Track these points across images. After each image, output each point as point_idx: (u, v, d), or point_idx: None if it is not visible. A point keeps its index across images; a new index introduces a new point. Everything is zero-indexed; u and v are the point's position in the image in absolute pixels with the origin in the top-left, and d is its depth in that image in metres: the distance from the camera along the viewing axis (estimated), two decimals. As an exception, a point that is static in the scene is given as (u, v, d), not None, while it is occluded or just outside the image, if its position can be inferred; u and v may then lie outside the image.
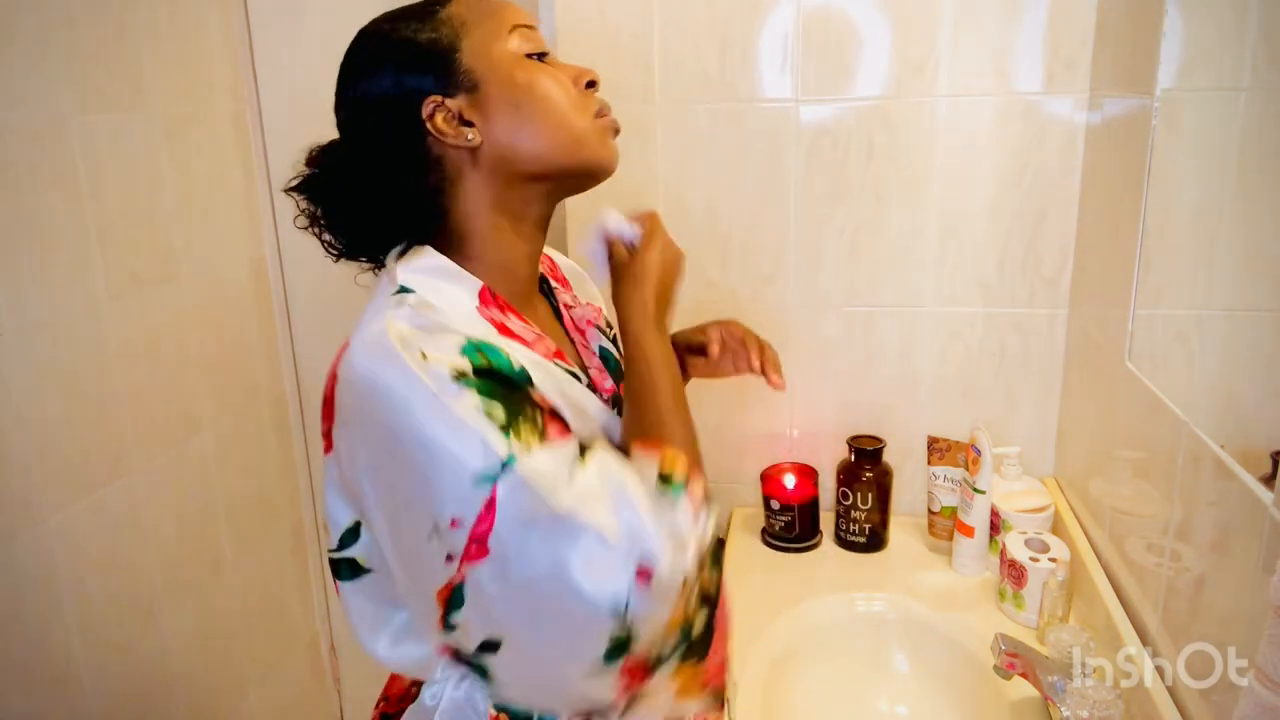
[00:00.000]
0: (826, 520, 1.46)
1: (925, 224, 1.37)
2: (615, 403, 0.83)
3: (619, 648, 0.61)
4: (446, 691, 0.75)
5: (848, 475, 1.39)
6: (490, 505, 0.60)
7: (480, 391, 0.63)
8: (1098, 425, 1.23)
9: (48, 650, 1.09)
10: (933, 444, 1.38)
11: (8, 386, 1.03)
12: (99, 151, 1.16)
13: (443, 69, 0.72)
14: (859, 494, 1.37)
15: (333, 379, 0.68)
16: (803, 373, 1.46)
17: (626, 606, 0.60)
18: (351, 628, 0.76)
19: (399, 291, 0.71)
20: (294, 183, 0.77)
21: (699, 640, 0.66)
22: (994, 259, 1.36)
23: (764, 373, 1.00)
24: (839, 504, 1.41)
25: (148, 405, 1.24)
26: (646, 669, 0.63)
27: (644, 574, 0.60)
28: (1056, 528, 1.28)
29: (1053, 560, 1.16)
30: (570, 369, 0.76)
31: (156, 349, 1.27)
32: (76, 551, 1.12)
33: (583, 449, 0.66)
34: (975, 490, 1.27)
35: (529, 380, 0.68)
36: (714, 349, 1.00)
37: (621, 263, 0.83)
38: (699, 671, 0.67)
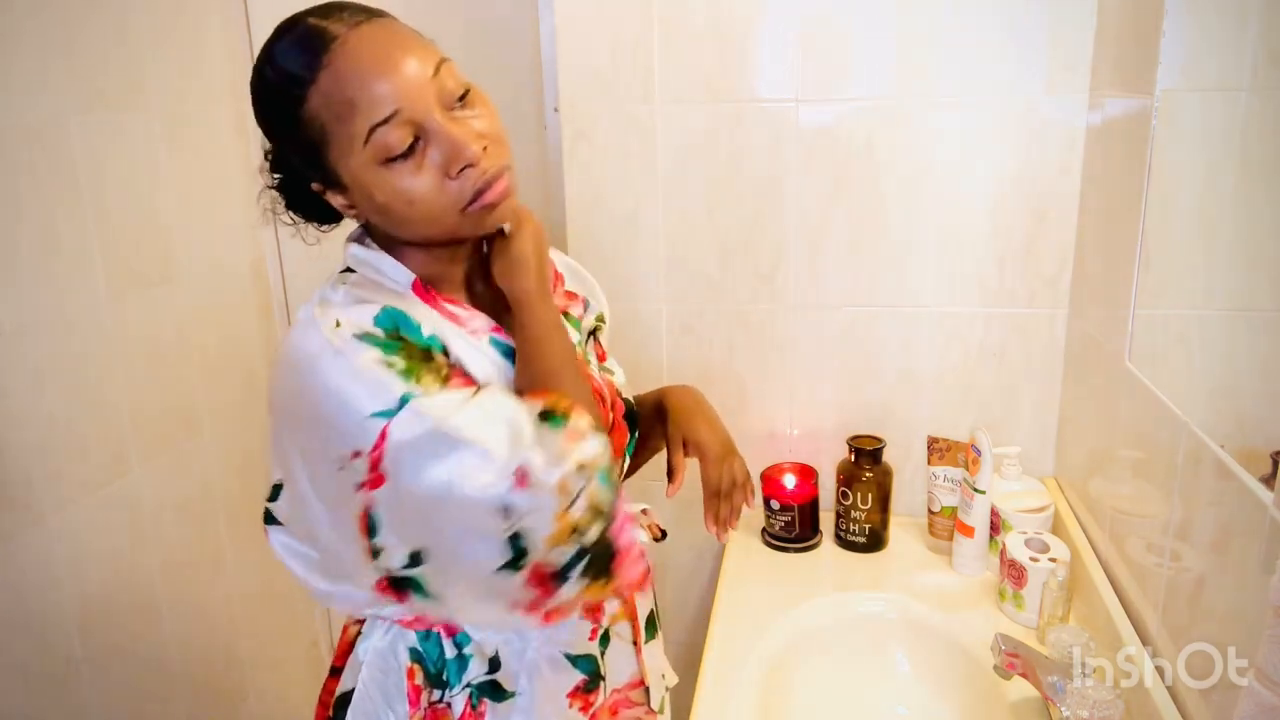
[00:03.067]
0: (826, 520, 1.46)
1: (925, 224, 1.36)
2: None
3: (518, 554, 0.68)
4: (373, 642, 0.84)
5: (848, 475, 1.39)
6: (383, 435, 0.67)
7: (383, 348, 0.70)
8: (1098, 425, 1.23)
9: (48, 650, 1.09)
10: (933, 444, 1.38)
11: (8, 386, 1.03)
12: (99, 151, 1.16)
13: (316, 164, 0.75)
14: (859, 494, 1.37)
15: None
16: (803, 373, 1.46)
17: (509, 507, 0.67)
18: (290, 572, 0.82)
19: (344, 270, 0.80)
20: (265, 179, 0.84)
21: (599, 555, 0.71)
22: (994, 259, 1.36)
23: (712, 526, 0.99)
24: (839, 504, 1.41)
25: (148, 405, 1.24)
26: (551, 578, 0.70)
27: (521, 475, 0.67)
28: (1056, 528, 1.28)
29: (1053, 560, 1.16)
30: (510, 344, 0.82)
31: (156, 349, 1.27)
32: (77, 551, 1.12)
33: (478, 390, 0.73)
34: (975, 490, 1.27)
35: (439, 347, 0.75)
36: (673, 484, 0.98)
37: (498, 247, 0.85)
38: (607, 592, 0.74)
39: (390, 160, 0.71)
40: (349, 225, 0.85)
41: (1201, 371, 0.93)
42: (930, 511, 1.39)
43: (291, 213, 0.84)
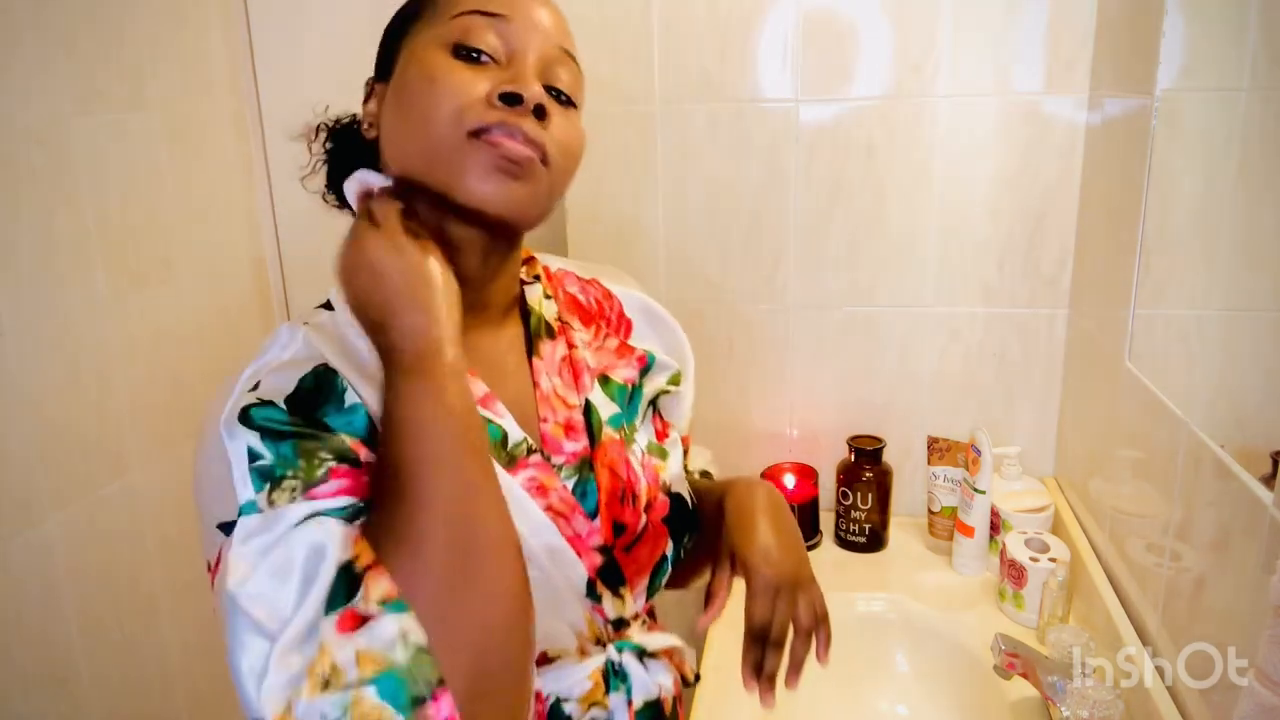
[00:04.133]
0: (826, 520, 1.45)
1: (925, 224, 1.36)
2: (579, 469, 0.71)
3: None
4: None
5: (848, 475, 1.39)
6: (219, 559, 0.55)
7: (266, 432, 0.57)
8: (1098, 425, 1.23)
9: (48, 650, 1.09)
10: (933, 444, 1.38)
11: (8, 386, 1.03)
12: (99, 151, 1.16)
13: (386, 47, 0.68)
14: (859, 494, 1.37)
15: None
16: (803, 373, 1.46)
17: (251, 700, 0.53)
18: None
19: (323, 305, 0.69)
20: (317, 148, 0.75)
21: None
22: (994, 259, 1.36)
23: (751, 683, 0.75)
24: (839, 504, 1.41)
25: (148, 405, 1.24)
26: None
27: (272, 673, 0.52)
28: (1056, 528, 1.28)
29: (1053, 560, 1.16)
30: (498, 421, 0.66)
31: (156, 349, 1.27)
32: (76, 551, 1.12)
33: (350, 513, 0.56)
34: (975, 490, 1.27)
35: (358, 420, 0.60)
36: (707, 610, 0.74)
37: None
38: None
39: (457, 50, 0.62)
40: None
41: (1201, 371, 0.93)
42: (930, 511, 1.39)
43: (328, 191, 0.75)
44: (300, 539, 0.54)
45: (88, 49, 1.14)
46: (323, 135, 0.74)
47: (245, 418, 0.57)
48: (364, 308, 0.59)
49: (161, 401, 1.27)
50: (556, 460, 0.70)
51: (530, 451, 0.68)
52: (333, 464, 0.57)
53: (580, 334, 0.77)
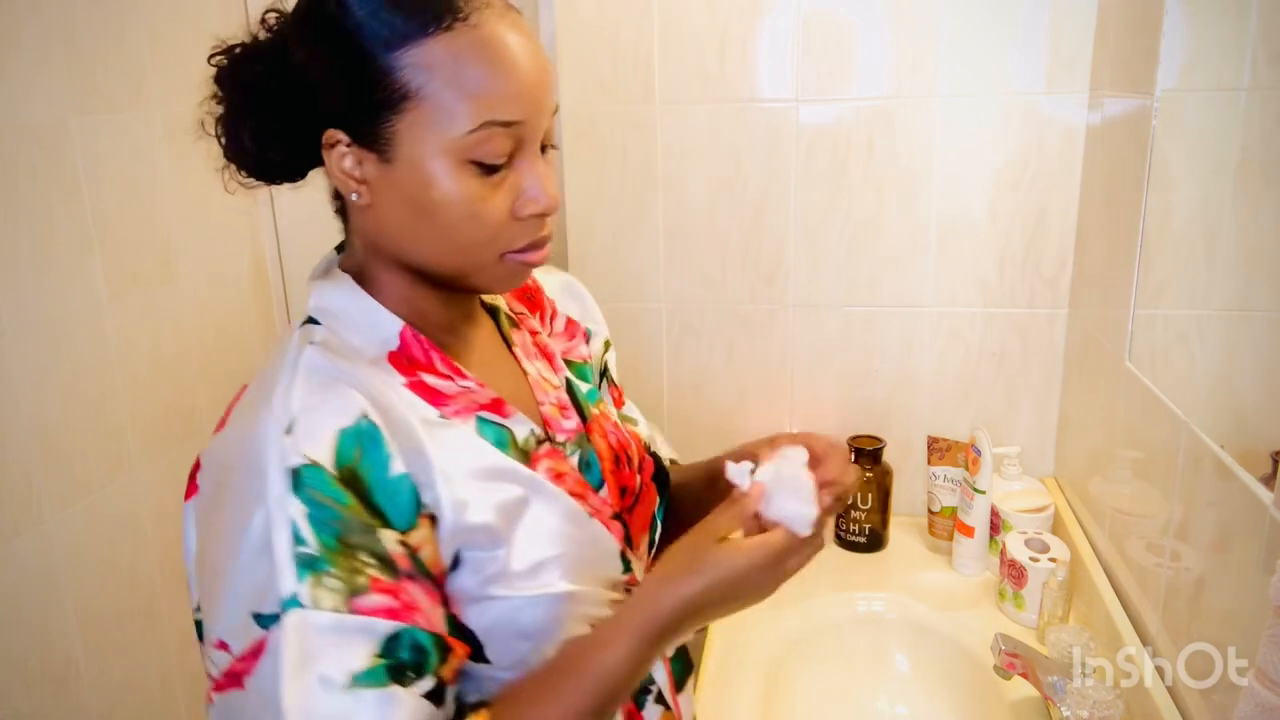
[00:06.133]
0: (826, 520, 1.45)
1: (925, 224, 1.36)
2: (579, 444, 0.74)
3: None
4: None
5: (848, 475, 1.39)
6: (258, 650, 0.53)
7: (315, 504, 0.55)
8: (1098, 425, 1.23)
9: (48, 650, 1.09)
10: (933, 444, 1.38)
11: (8, 386, 1.03)
12: (99, 151, 1.16)
13: (368, 115, 0.61)
14: (859, 494, 1.37)
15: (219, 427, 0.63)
16: (803, 373, 1.46)
17: None
18: None
19: (307, 322, 0.66)
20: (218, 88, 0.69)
21: None
22: (994, 259, 1.36)
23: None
24: (839, 504, 1.41)
25: (148, 405, 1.24)
26: None
27: None
28: (1056, 528, 1.28)
29: (1053, 560, 1.16)
30: (503, 423, 0.67)
31: (156, 349, 1.27)
32: (76, 551, 1.12)
33: (398, 672, 0.55)
34: (975, 490, 1.27)
35: (405, 496, 0.59)
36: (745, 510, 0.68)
37: (733, 535, 0.65)
38: None
39: (474, 163, 0.60)
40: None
41: (1201, 371, 0.93)
42: (930, 511, 1.39)
43: (230, 141, 0.69)
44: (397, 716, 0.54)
45: (88, 49, 1.14)
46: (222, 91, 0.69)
47: (298, 484, 0.55)
48: (725, 604, 0.63)
49: (161, 402, 1.27)
50: (559, 439, 0.73)
51: (540, 442, 0.69)
52: (374, 572, 0.56)
53: (532, 322, 0.82)
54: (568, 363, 0.80)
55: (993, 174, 1.33)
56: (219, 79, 0.68)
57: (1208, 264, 0.93)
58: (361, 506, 0.57)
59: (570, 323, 0.85)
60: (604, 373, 0.86)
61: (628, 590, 0.71)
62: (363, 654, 0.54)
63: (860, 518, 1.38)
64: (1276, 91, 0.81)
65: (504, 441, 0.66)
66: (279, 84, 0.64)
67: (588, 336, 0.85)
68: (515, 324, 0.79)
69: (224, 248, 1.42)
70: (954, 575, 1.32)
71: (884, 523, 1.40)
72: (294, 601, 0.53)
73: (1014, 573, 1.18)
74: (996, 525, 1.29)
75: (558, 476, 0.69)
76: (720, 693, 1.09)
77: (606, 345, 0.88)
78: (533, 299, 0.84)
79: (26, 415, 1.05)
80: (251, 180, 0.70)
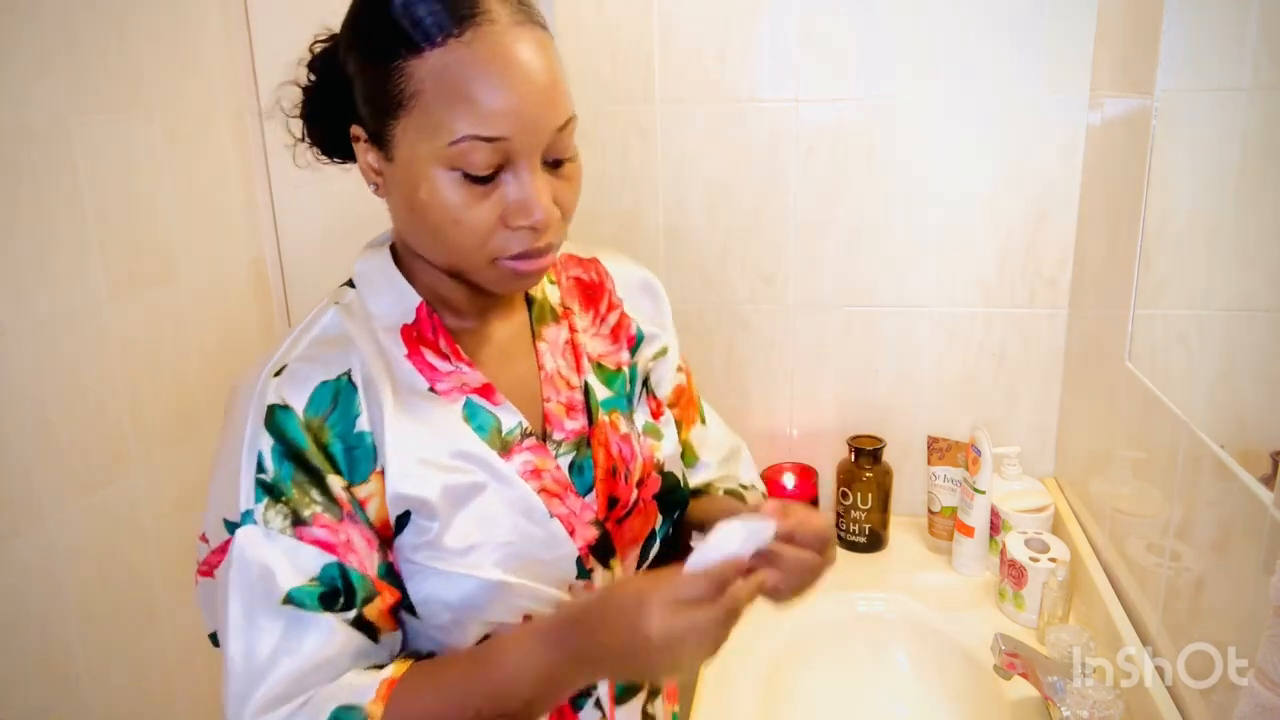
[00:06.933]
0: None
1: (925, 224, 1.36)
2: (577, 446, 0.76)
3: None
4: None
5: (848, 475, 1.39)
6: (224, 549, 0.64)
7: (282, 442, 0.65)
8: (1098, 425, 1.23)
9: (48, 650, 1.09)
10: (933, 444, 1.38)
11: (8, 386, 1.03)
12: (99, 151, 1.16)
13: (378, 116, 0.66)
14: (859, 494, 1.37)
15: None
16: (803, 373, 1.46)
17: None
18: None
19: (346, 284, 0.75)
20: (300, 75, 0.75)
21: None
22: (994, 259, 1.36)
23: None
24: (839, 504, 1.41)
25: (148, 405, 1.24)
26: None
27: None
28: (1056, 528, 1.28)
29: (1053, 560, 1.16)
30: (491, 410, 0.72)
31: (156, 349, 1.27)
32: (76, 551, 1.12)
33: (334, 597, 0.64)
34: (975, 490, 1.27)
35: (363, 450, 0.67)
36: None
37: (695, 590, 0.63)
38: None
39: (460, 172, 0.64)
40: (352, 195, 0.80)
41: (1201, 371, 0.93)
42: (930, 511, 1.39)
43: (307, 123, 0.75)
44: (313, 638, 0.64)
45: (88, 49, 1.14)
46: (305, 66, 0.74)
47: (270, 420, 0.65)
48: (631, 660, 0.63)
49: (161, 401, 1.27)
50: (557, 436, 0.76)
51: (525, 436, 0.73)
52: (318, 509, 0.65)
53: (580, 319, 0.83)
54: (598, 366, 0.81)
55: (993, 174, 1.33)
56: (311, 64, 0.74)
57: (1208, 264, 0.93)
58: (319, 451, 0.66)
59: (620, 325, 0.85)
60: (645, 381, 0.86)
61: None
62: (298, 574, 0.63)
63: (860, 518, 1.38)
64: (1276, 91, 0.81)
65: (486, 427, 0.71)
66: (338, 77, 0.70)
67: (636, 341, 0.85)
68: (557, 317, 0.81)
69: (224, 248, 1.42)
70: (954, 575, 1.32)
71: (884, 523, 1.40)
72: (249, 516, 0.64)
73: (1014, 573, 1.18)
74: (996, 525, 1.29)
75: (533, 472, 0.72)
76: (720, 692, 1.09)
77: (662, 352, 0.87)
78: (592, 293, 0.85)
79: (26, 415, 1.05)
80: (324, 158, 0.77)
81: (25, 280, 1.05)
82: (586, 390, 0.79)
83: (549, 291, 0.82)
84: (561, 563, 0.72)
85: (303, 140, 0.76)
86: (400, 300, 0.73)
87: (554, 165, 0.68)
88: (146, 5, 1.24)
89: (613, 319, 0.85)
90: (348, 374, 0.68)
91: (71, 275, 1.12)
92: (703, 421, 0.92)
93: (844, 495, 1.39)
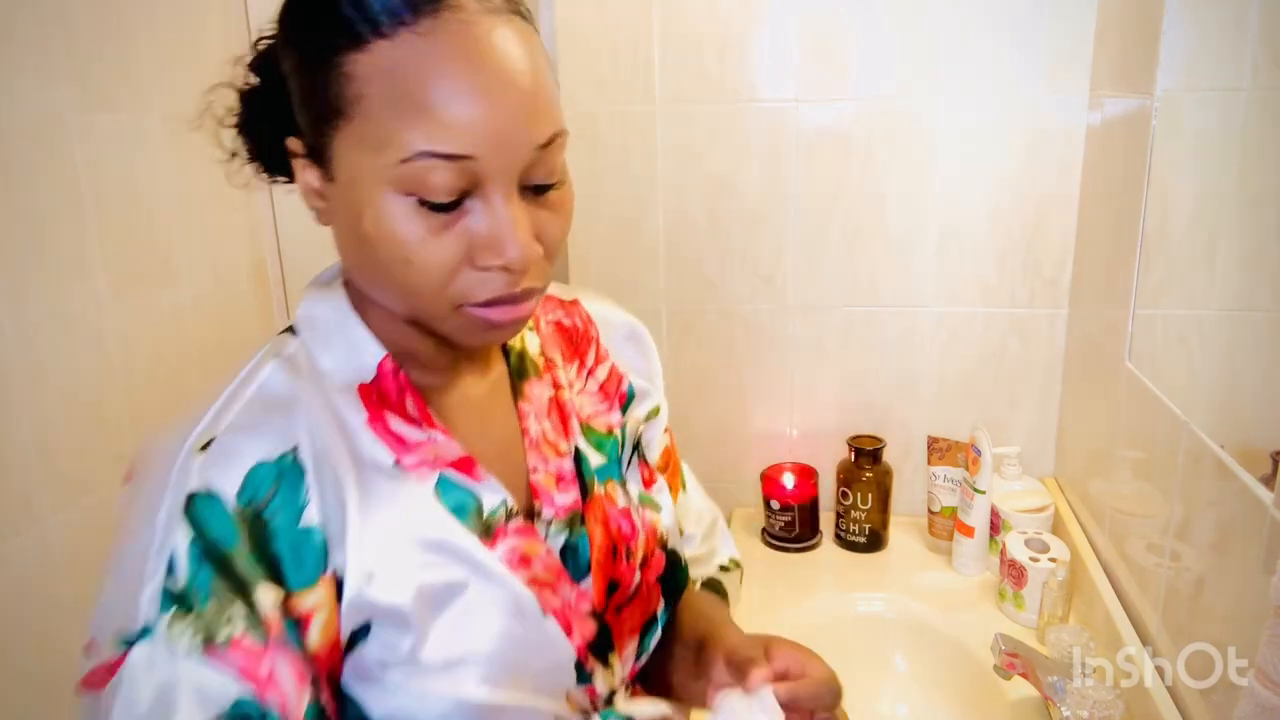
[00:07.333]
0: (826, 520, 1.45)
1: (925, 224, 1.36)
2: (569, 524, 0.65)
3: None
4: None
5: (848, 475, 1.39)
6: (113, 667, 0.50)
7: (203, 531, 0.51)
8: (1098, 425, 1.23)
9: (48, 651, 1.09)
10: (933, 444, 1.38)
11: (8, 386, 1.03)
12: (99, 151, 1.16)
13: (315, 125, 0.54)
14: (859, 494, 1.37)
15: None
16: (803, 373, 1.46)
17: None
18: None
19: (286, 330, 0.63)
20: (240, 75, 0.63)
21: None
22: (994, 259, 1.36)
23: None
24: (839, 504, 1.41)
25: (148, 405, 1.24)
26: None
27: None
28: (1056, 528, 1.28)
29: (1053, 560, 1.16)
30: (470, 487, 0.59)
31: (156, 349, 1.27)
32: (76, 552, 1.12)
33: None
34: (975, 490, 1.27)
35: (313, 551, 0.53)
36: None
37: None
38: None
39: (415, 197, 0.51)
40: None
41: (1201, 371, 0.93)
42: (930, 511, 1.39)
43: (243, 135, 0.63)
44: None
45: (88, 49, 1.14)
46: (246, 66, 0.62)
47: (190, 510, 0.51)
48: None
49: (161, 402, 1.27)
50: (546, 514, 0.64)
51: (510, 516, 0.61)
52: (238, 632, 0.50)
53: (564, 372, 0.71)
54: (587, 429, 0.70)
55: (993, 174, 1.33)
56: (253, 63, 0.62)
57: (1208, 264, 0.93)
58: (251, 552, 0.52)
59: (610, 381, 0.74)
60: (636, 445, 0.75)
61: (591, 707, 0.63)
62: (201, 710, 0.49)
63: (860, 518, 1.38)
64: (1276, 91, 0.81)
65: (465, 508, 0.59)
66: (276, 79, 0.58)
67: (627, 399, 0.74)
68: (538, 372, 0.69)
69: (224, 248, 1.42)
70: (954, 575, 1.32)
71: (884, 523, 1.40)
72: (148, 632, 0.50)
73: (1014, 573, 1.18)
74: (996, 525, 1.29)
75: (521, 560, 0.60)
76: (720, 693, 1.09)
77: (653, 412, 0.77)
78: (577, 342, 0.74)
79: (27, 415, 1.05)
80: (264, 176, 0.64)
81: (25, 280, 1.05)
82: (578, 457, 0.67)
83: (529, 341, 0.70)
84: (559, 669, 0.61)
85: (236, 156, 0.65)
86: (356, 353, 0.59)
87: (536, 191, 0.55)
88: (146, 4, 1.24)
89: (601, 373, 0.74)
90: (293, 451, 0.54)
91: (71, 275, 1.12)
92: (684, 488, 0.82)
93: (844, 495, 1.39)
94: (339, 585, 0.54)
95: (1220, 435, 0.83)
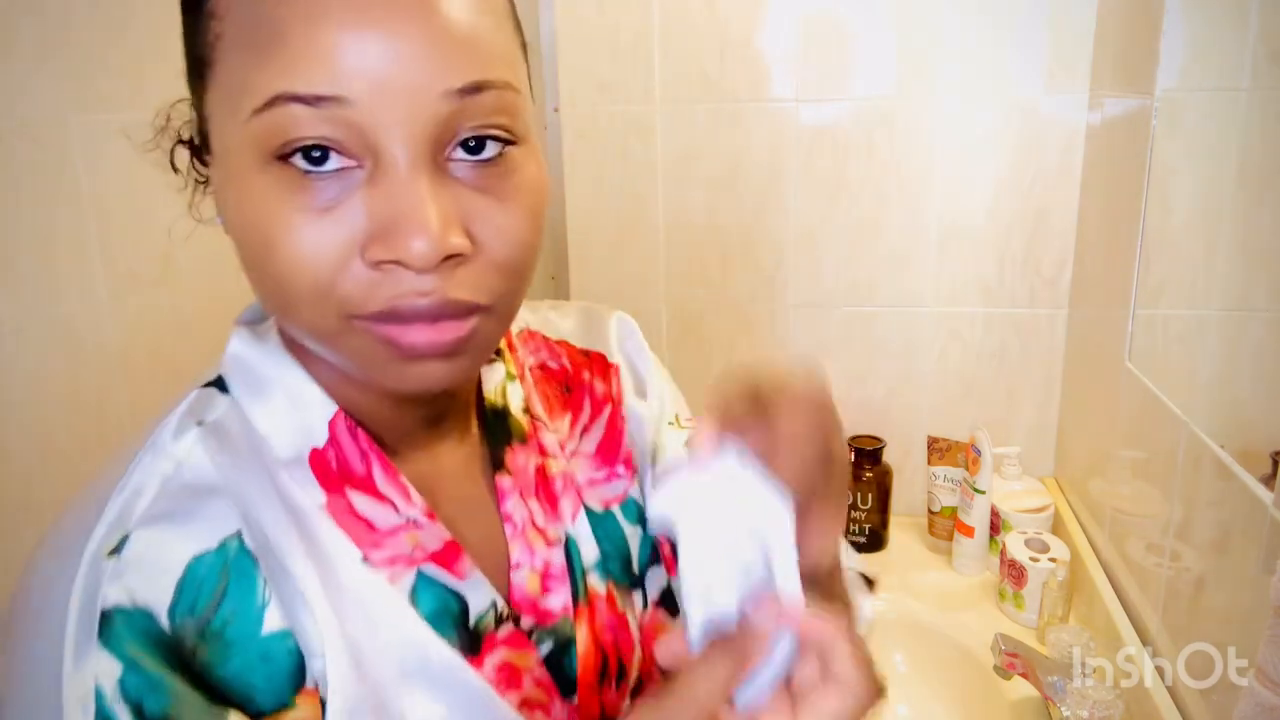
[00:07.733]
0: (826, 520, 1.45)
1: (925, 224, 1.36)
2: (556, 630, 0.51)
3: None
4: None
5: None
6: None
7: (136, 663, 0.37)
8: (1098, 425, 1.23)
9: (48, 650, 1.09)
10: (933, 444, 1.38)
11: (8, 386, 1.03)
12: (99, 151, 1.16)
13: (193, 90, 0.45)
14: (859, 494, 1.37)
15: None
16: (803, 373, 1.46)
17: None
18: None
19: (211, 384, 0.50)
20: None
21: None
22: (994, 259, 1.36)
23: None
24: (839, 504, 1.41)
25: (148, 405, 1.25)
26: None
27: None
28: (1056, 528, 1.28)
29: (1053, 560, 1.16)
30: (453, 587, 0.47)
31: (156, 349, 1.27)
32: (76, 551, 1.12)
33: None
34: (975, 490, 1.27)
35: (283, 657, 0.41)
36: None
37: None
38: None
39: (279, 158, 0.39)
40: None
41: (1201, 372, 0.93)
42: (930, 511, 1.39)
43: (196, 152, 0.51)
44: None
45: (88, 49, 1.14)
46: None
47: (108, 634, 0.38)
48: None
49: (161, 402, 1.27)
50: (526, 623, 0.50)
51: (500, 621, 0.48)
52: None
53: (552, 431, 0.56)
54: (585, 507, 0.55)
55: (993, 174, 1.33)
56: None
57: (1208, 264, 0.93)
58: (199, 678, 0.38)
59: (611, 433, 0.58)
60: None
61: None
62: None
63: (860, 518, 1.38)
64: (1276, 91, 0.81)
65: (445, 615, 0.46)
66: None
67: (636, 469, 0.58)
68: (523, 435, 0.54)
69: (224, 248, 1.43)
70: (954, 575, 1.32)
71: (884, 523, 1.40)
72: None
73: (1014, 573, 1.18)
74: (996, 525, 1.29)
75: (511, 676, 0.48)
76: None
77: (661, 429, 0.60)
78: (571, 387, 0.59)
79: (27, 415, 1.05)
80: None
81: (25, 280, 1.06)
82: (569, 548, 0.53)
83: (510, 394, 0.55)
84: None
85: (192, 176, 0.53)
86: (300, 410, 0.46)
87: (479, 166, 0.41)
88: (146, 5, 1.24)
89: (598, 430, 0.58)
90: (237, 536, 0.41)
91: (71, 275, 1.12)
92: None
93: (844, 495, 1.39)
94: (321, 702, 0.41)
95: (1220, 435, 0.83)
